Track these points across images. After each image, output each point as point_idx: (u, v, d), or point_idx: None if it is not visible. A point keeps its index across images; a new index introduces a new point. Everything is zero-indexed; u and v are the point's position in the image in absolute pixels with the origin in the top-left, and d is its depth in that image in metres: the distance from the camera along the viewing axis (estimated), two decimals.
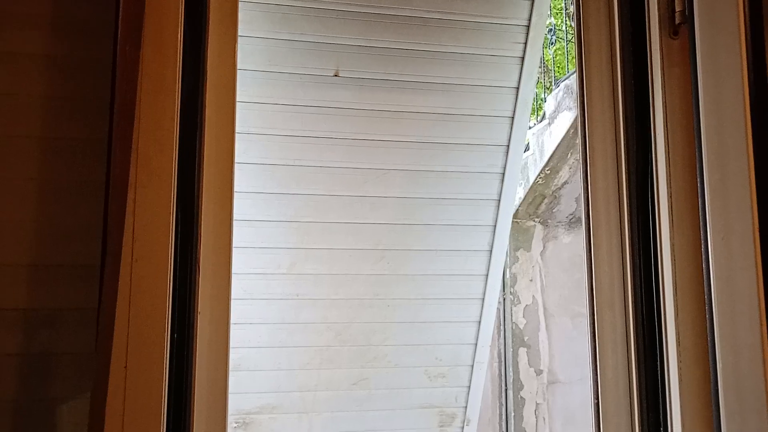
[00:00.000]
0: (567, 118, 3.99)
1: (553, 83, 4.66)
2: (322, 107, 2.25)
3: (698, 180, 1.12)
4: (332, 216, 2.42)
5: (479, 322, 2.66)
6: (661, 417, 1.19)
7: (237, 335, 2.40)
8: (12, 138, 1.26)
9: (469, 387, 2.75)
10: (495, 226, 2.52)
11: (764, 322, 1.03)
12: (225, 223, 1.21)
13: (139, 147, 1.06)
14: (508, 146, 2.37)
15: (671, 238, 1.16)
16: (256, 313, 2.49)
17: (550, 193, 4.37)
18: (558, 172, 4.22)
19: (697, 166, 1.13)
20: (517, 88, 2.28)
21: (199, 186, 1.16)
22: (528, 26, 2.17)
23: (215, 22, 1.19)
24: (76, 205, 1.27)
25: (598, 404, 1.28)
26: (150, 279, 1.06)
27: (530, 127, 4.20)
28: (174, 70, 1.09)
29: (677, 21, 1.19)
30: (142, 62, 1.07)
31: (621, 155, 1.29)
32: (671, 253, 1.15)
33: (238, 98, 1.24)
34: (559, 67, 5.78)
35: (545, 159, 4.14)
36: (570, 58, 4.84)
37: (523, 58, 2.22)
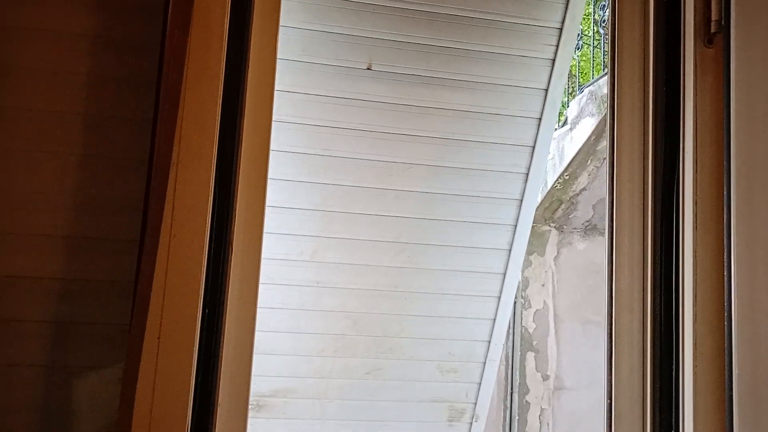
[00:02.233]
0: (589, 124, 3.97)
1: (576, 89, 4.64)
2: (352, 99, 2.27)
3: (725, 188, 1.14)
4: (357, 207, 2.45)
5: (494, 319, 2.68)
6: (673, 420, 1.20)
7: (257, 318, 2.44)
8: (59, 113, 1.31)
9: (480, 384, 2.77)
10: (515, 225, 2.53)
11: None
12: (258, 208, 1.25)
13: (182, 128, 1.10)
14: (533, 147, 2.38)
15: (694, 244, 1.17)
16: (276, 297, 2.52)
17: (568, 198, 4.36)
18: (577, 178, 4.20)
19: (725, 173, 1.14)
20: (546, 90, 2.28)
21: (236, 169, 1.19)
22: (561, 29, 2.18)
23: (260, 10, 1.22)
24: (118, 180, 1.31)
25: (611, 405, 1.29)
26: (186, 256, 1.10)
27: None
28: (219, 55, 1.13)
29: (713, 30, 1.19)
30: (189, 46, 1.11)
31: (648, 160, 1.30)
32: (693, 259, 1.16)
33: None
34: (583, 73, 5.76)
35: (564, 164, 4.13)
36: (595, 64, 4.82)
37: (553, 60, 2.23)
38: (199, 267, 1.11)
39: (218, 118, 1.13)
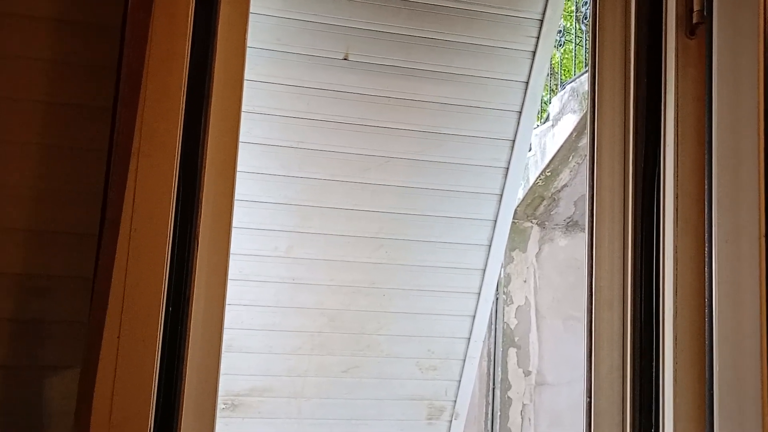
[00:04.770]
0: (571, 120, 3.98)
1: (558, 85, 4.65)
2: (329, 90, 2.23)
3: (706, 183, 1.11)
4: (333, 201, 2.40)
5: (474, 316, 2.66)
6: (653, 418, 1.18)
7: (230, 316, 2.38)
8: (15, 101, 1.24)
9: (460, 381, 2.75)
10: (495, 221, 2.51)
11: (765, 328, 1.02)
12: (226, 201, 1.20)
13: (144, 115, 1.04)
14: (513, 141, 2.36)
15: (674, 240, 1.15)
16: (250, 294, 2.47)
17: (549, 195, 4.37)
18: (558, 175, 4.21)
19: (706, 168, 1.12)
20: (527, 83, 2.26)
21: (202, 160, 1.14)
22: (542, 20, 2.15)
23: None
24: (77, 171, 1.25)
25: (590, 403, 1.27)
26: (148, 250, 1.05)
27: (533, 128, 4.19)
28: (184, 39, 1.08)
29: (695, 21, 1.17)
30: (151, 29, 1.05)
31: (629, 154, 1.28)
32: (674, 255, 1.15)
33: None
34: (565, 70, 5.77)
35: (546, 161, 4.13)
36: (577, 61, 4.83)
37: (534, 53, 2.20)
38: (161, 262, 1.06)
39: (183, 105, 1.08)
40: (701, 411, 1.10)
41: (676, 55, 1.18)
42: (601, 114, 1.30)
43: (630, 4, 1.29)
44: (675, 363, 1.12)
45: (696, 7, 1.17)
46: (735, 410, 1.03)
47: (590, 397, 1.27)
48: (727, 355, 1.04)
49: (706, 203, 1.11)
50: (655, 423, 1.17)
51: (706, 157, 1.13)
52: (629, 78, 1.27)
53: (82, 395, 1.05)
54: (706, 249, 1.09)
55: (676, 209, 1.16)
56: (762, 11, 1.07)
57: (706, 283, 1.10)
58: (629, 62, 1.27)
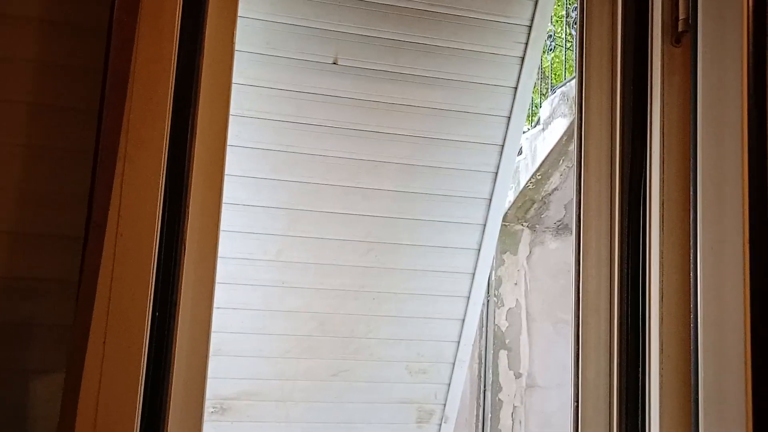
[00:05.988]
0: (561, 124, 4.00)
1: (549, 89, 4.67)
2: (318, 94, 2.23)
3: (691, 189, 1.12)
4: (323, 205, 2.40)
5: (463, 320, 2.66)
6: (639, 424, 1.19)
7: (218, 319, 2.37)
8: (2, 102, 1.23)
9: (449, 385, 2.75)
10: (485, 225, 2.52)
11: (749, 334, 1.03)
12: (214, 204, 1.20)
13: (130, 118, 1.04)
14: (502, 146, 2.38)
15: (660, 246, 1.16)
16: (239, 298, 2.47)
17: (540, 198, 4.39)
18: (549, 178, 4.24)
19: (691, 175, 1.13)
20: (516, 88, 2.28)
21: (189, 163, 1.14)
22: (530, 26, 2.17)
23: None
24: (62, 174, 1.24)
25: (577, 407, 1.28)
26: (134, 254, 1.04)
27: (524, 132, 4.21)
28: (171, 41, 1.07)
29: (680, 29, 1.18)
30: (138, 32, 1.05)
31: (615, 160, 1.29)
32: (659, 261, 1.15)
33: (233, 79, 1.22)
34: (556, 74, 5.81)
35: (537, 164, 4.15)
36: (567, 65, 4.86)
37: (523, 58, 2.22)
38: (148, 266, 1.05)
39: (169, 108, 1.07)
40: (687, 416, 1.10)
41: (662, 63, 1.19)
42: (588, 120, 1.31)
43: (617, 12, 1.30)
44: (661, 368, 1.13)
45: (681, 16, 1.18)
46: (719, 415, 1.04)
47: (577, 402, 1.27)
48: (712, 361, 1.05)
49: (691, 210, 1.12)
50: (641, 427, 1.17)
51: (691, 163, 1.14)
52: (616, 85, 1.28)
53: (66, 399, 1.04)
54: (692, 255, 1.10)
55: (662, 216, 1.16)
56: (746, 20, 1.08)
57: (692, 289, 1.10)
58: (616, 69, 1.28)
